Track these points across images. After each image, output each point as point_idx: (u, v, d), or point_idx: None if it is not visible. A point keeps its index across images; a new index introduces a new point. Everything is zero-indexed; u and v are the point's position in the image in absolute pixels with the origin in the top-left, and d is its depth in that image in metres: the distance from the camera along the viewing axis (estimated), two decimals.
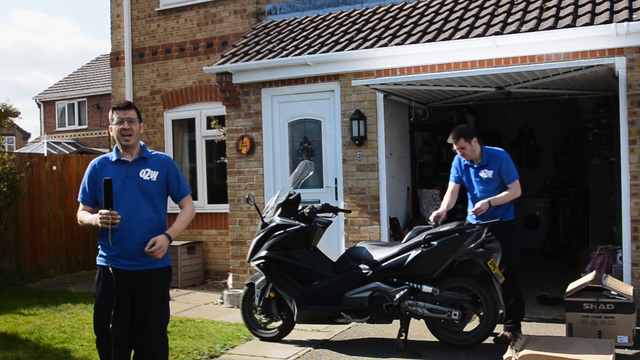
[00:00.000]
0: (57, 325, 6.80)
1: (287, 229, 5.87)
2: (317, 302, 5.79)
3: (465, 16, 7.62)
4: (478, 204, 5.60)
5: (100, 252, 4.02)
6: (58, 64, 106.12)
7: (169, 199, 4.18)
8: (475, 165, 5.79)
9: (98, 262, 4.03)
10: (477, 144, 5.75)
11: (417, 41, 7.22)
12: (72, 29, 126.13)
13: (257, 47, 8.42)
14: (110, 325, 3.84)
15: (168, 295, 4.17)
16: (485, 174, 5.74)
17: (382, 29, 7.86)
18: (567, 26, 6.54)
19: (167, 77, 10.42)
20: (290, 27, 8.98)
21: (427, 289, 5.53)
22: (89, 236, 11.12)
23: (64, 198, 10.98)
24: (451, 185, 6.01)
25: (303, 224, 5.89)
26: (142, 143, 4.13)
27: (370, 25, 8.15)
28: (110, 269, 3.89)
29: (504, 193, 5.66)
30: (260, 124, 8.26)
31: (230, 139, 8.47)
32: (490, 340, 5.68)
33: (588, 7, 6.80)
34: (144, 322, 3.97)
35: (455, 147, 5.77)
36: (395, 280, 5.63)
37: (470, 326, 5.59)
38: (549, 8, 7.18)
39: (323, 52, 7.67)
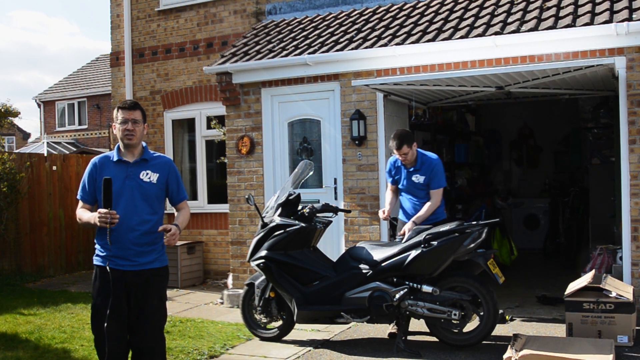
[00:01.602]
0: (57, 325, 6.80)
1: (287, 229, 5.87)
2: (317, 302, 5.79)
3: (465, 16, 7.62)
4: (405, 229, 5.79)
5: (97, 251, 4.02)
6: (57, 63, 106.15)
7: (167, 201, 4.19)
8: (410, 169, 5.98)
9: (95, 262, 4.03)
10: (415, 148, 5.98)
11: (417, 41, 7.23)
12: (71, 28, 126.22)
13: (257, 47, 8.42)
14: (105, 324, 3.84)
15: (165, 296, 4.17)
16: (417, 178, 5.98)
17: (382, 29, 7.86)
18: (567, 26, 6.54)
19: (167, 77, 10.42)
20: (290, 27, 8.98)
21: (427, 289, 5.53)
22: (89, 236, 11.11)
23: (64, 198, 10.98)
24: (390, 185, 6.21)
25: (303, 224, 5.88)
26: (144, 144, 4.13)
27: (370, 25, 8.15)
28: (108, 268, 3.89)
29: (425, 207, 5.89)
30: (260, 124, 8.26)
31: (230, 139, 8.47)
32: (490, 339, 5.68)
33: (588, 7, 6.80)
34: (141, 323, 3.98)
35: (397, 153, 5.92)
36: (395, 280, 5.63)
37: (470, 326, 5.59)
38: (548, 8, 7.18)
39: (323, 52, 7.67)
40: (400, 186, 6.14)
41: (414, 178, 5.99)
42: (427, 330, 5.79)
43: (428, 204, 5.90)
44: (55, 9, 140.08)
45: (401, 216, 6.20)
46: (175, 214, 4.21)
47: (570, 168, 11.78)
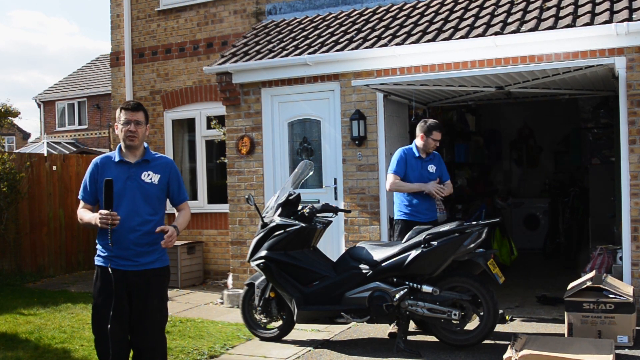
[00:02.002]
0: (57, 325, 6.81)
1: (287, 229, 5.87)
2: (317, 302, 5.79)
3: (465, 16, 7.62)
4: (448, 188, 6.21)
5: (98, 252, 4.02)
6: (56, 63, 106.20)
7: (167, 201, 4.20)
8: (426, 159, 6.24)
9: (96, 262, 4.03)
10: None
11: (417, 41, 7.23)
12: (70, 28, 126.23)
13: (257, 47, 8.42)
14: (109, 325, 3.84)
15: (166, 296, 4.17)
16: (431, 168, 6.26)
17: (382, 29, 7.86)
18: (567, 26, 6.54)
19: (167, 77, 10.42)
20: (290, 27, 8.98)
21: (427, 289, 5.53)
22: (89, 236, 11.12)
23: (64, 198, 10.98)
24: (395, 177, 6.17)
25: (303, 224, 5.88)
26: (145, 145, 4.14)
27: (370, 25, 8.15)
28: (110, 269, 3.90)
29: (450, 186, 6.36)
30: (260, 124, 8.26)
31: (230, 139, 8.47)
32: (490, 339, 5.68)
33: (588, 7, 6.80)
34: (142, 323, 3.98)
35: (435, 138, 6.16)
36: (395, 280, 5.63)
37: (470, 326, 5.60)
38: (549, 8, 7.18)
39: (323, 52, 7.67)
40: (417, 178, 6.12)
41: (429, 168, 6.22)
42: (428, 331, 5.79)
43: (450, 183, 6.36)
44: (54, 9, 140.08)
45: (403, 216, 6.17)
46: (176, 214, 4.22)
47: (570, 168, 11.78)
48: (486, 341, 5.60)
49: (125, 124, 3.99)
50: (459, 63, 7.11)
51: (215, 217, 9.94)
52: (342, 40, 7.88)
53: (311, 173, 6.39)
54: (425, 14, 8.07)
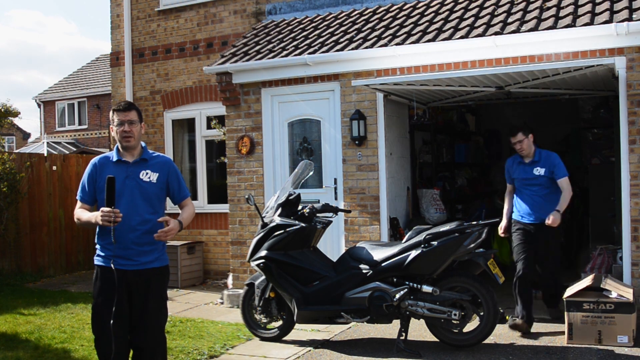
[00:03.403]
0: (57, 325, 6.81)
1: (287, 229, 5.87)
2: (317, 302, 5.79)
3: (465, 16, 7.62)
4: (550, 220, 5.85)
5: (98, 251, 4.02)
6: (55, 63, 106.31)
7: (168, 200, 4.20)
8: (527, 162, 6.14)
9: (96, 262, 4.03)
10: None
11: (417, 41, 7.23)
12: (69, 27, 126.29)
13: (257, 47, 8.42)
14: (111, 322, 3.84)
15: (166, 295, 4.18)
16: (537, 171, 6.09)
17: (382, 29, 7.86)
18: (567, 26, 6.54)
19: (167, 77, 10.42)
20: (290, 27, 8.98)
21: (427, 289, 5.53)
22: (89, 236, 11.11)
23: (64, 198, 10.98)
24: (509, 186, 6.45)
25: (303, 224, 5.88)
26: (143, 144, 4.14)
27: (370, 25, 8.15)
28: (112, 265, 3.89)
29: (563, 198, 6.01)
30: (260, 124, 8.26)
31: (230, 139, 8.47)
32: (490, 340, 5.68)
33: (588, 7, 6.80)
34: (142, 322, 3.98)
35: (513, 140, 6.11)
36: (395, 280, 5.63)
37: (470, 326, 5.59)
38: (549, 8, 7.19)
39: (323, 52, 7.67)
40: (519, 184, 6.24)
41: (534, 171, 6.13)
42: (427, 330, 5.79)
43: (563, 196, 6.04)
44: (52, 8, 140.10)
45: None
46: (180, 212, 4.22)
47: (570, 168, 11.74)
48: (486, 341, 5.60)
49: (119, 125, 4.00)
50: (459, 63, 7.11)
51: (215, 217, 9.95)
52: (342, 40, 7.88)
53: (311, 173, 6.39)
54: (425, 14, 8.07)
